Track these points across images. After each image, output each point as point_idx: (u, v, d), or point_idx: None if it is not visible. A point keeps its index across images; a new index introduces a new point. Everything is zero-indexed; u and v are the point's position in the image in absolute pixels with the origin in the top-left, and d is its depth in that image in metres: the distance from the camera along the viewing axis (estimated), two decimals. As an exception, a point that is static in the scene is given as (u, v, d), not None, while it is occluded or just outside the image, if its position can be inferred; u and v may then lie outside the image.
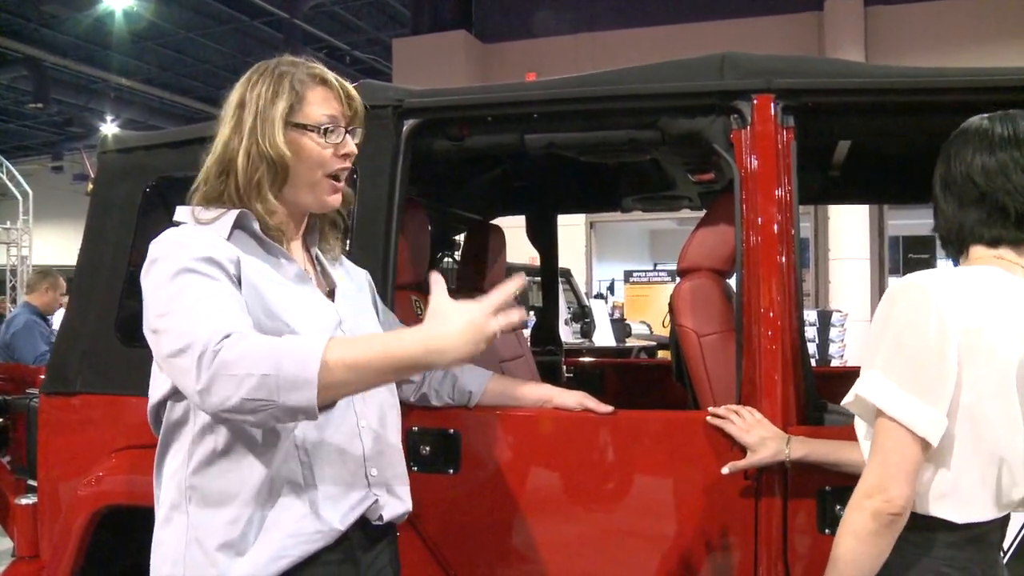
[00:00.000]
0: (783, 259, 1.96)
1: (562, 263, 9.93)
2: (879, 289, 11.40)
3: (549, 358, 3.57)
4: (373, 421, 1.58)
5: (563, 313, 7.11)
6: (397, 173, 2.16)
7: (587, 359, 4.32)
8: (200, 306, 1.35)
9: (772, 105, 2.00)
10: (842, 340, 8.01)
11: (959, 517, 1.39)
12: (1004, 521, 1.49)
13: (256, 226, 1.51)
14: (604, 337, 7.40)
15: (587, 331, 7.48)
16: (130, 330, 2.42)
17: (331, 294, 1.63)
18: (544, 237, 3.60)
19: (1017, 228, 1.45)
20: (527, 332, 3.67)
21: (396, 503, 1.60)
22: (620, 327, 8.42)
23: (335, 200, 1.59)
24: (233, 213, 1.50)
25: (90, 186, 2.55)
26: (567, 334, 6.92)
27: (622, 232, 18.58)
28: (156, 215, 2.51)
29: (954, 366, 1.35)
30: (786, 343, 1.93)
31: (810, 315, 8.15)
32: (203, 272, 1.39)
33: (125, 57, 17.42)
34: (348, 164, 1.58)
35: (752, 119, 2.00)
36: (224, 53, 17.77)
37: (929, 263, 15.96)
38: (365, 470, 1.54)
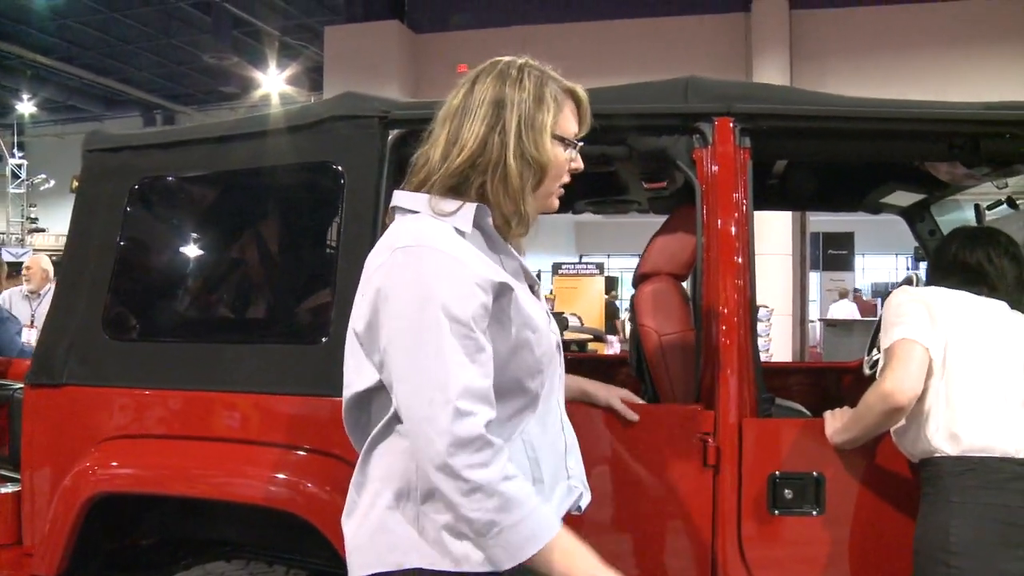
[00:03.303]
0: (740, 265, 2.18)
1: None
2: (800, 284, 11.86)
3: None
4: (565, 417, 1.69)
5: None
6: (383, 181, 2.29)
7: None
8: (453, 359, 1.41)
9: (731, 127, 2.22)
10: (767, 334, 8.35)
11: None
12: None
13: (491, 221, 1.54)
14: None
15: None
16: (117, 324, 2.51)
17: (533, 291, 1.66)
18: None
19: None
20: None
21: (587, 493, 1.70)
22: (558, 320, 8.59)
23: (556, 205, 1.66)
24: (472, 207, 1.52)
25: (75, 183, 2.61)
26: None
27: (547, 224, 18.78)
28: (142, 214, 2.60)
29: (941, 325, 1.98)
30: (741, 341, 2.15)
31: (735, 309, 8.48)
32: (462, 322, 1.43)
33: (43, 34, 16.89)
34: (570, 178, 1.65)
35: (713, 139, 2.21)
36: (148, 34, 17.36)
37: (847, 259, 16.65)
38: (565, 463, 1.65)
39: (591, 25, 14.14)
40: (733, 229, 2.18)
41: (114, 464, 2.39)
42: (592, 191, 3.41)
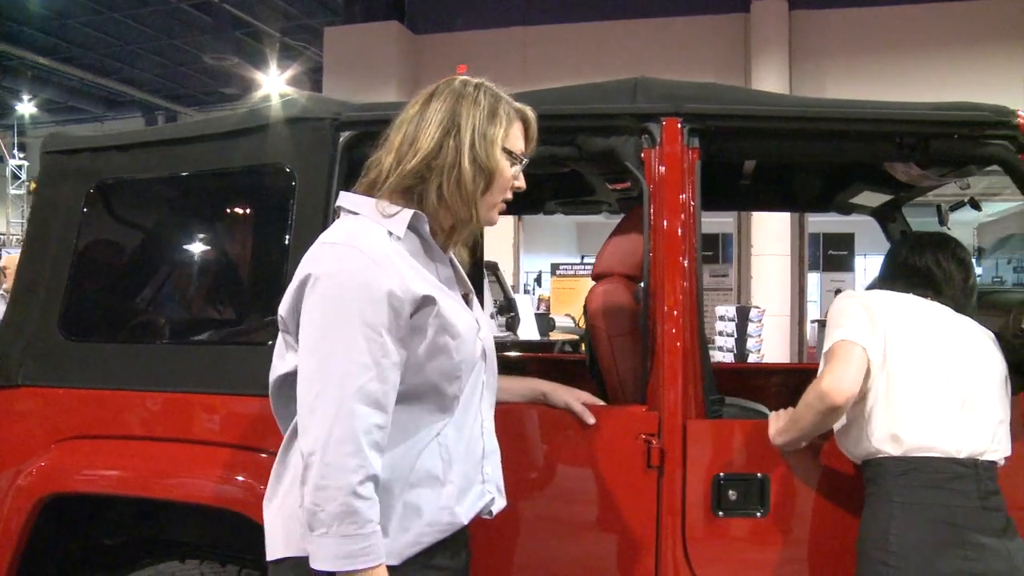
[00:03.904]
0: (686, 266, 2.18)
1: (490, 256, 10.12)
2: (799, 284, 11.84)
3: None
4: (488, 422, 1.74)
5: (489, 307, 7.27)
6: (333, 181, 2.30)
7: (511, 354, 4.49)
8: (356, 359, 1.48)
9: (679, 127, 2.22)
10: (759, 335, 8.35)
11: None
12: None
13: (427, 228, 1.64)
14: (529, 331, 7.60)
15: (512, 325, 7.68)
16: (73, 325, 2.52)
17: (466, 299, 1.76)
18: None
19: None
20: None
21: (501, 499, 1.75)
22: (544, 321, 8.63)
23: (496, 219, 1.74)
24: (408, 212, 1.61)
25: (33, 184, 2.62)
26: (492, 328, 7.10)
27: (550, 224, 18.85)
28: (100, 216, 2.61)
29: (880, 326, 2.00)
30: (687, 341, 2.15)
31: (729, 311, 8.48)
32: (371, 325, 1.49)
33: (43, 35, 16.93)
34: (511, 196, 1.74)
35: (661, 139, 2.21)
36: (149, 35, 17.38)
37: (847, 259, 16.63)
38: (482, 467, 1.69)
39: (590, 26, 14.14)
40: (679, 230, 2.18)
41: (67, 465, 2.40)
42: (561, 192, 3.42)
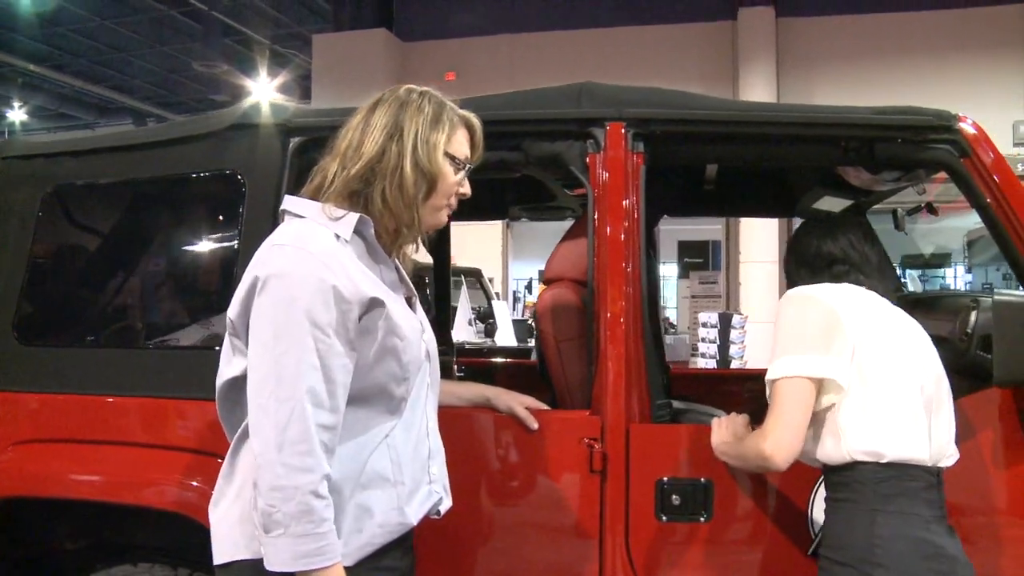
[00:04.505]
0: (629, 271, 2.18)
1: (479, 263, 10.12)
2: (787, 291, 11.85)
3: (441, 358, 3.74)
4: (432, 423, 1.76)
5: (468, 313, 7.28)
6: (283, 186, 2.31)
7: (483, 359, 4.50)
8: (305, 359, 1.49)
9: (623, 132, 2.23)
10: (742, 341, 8.36)
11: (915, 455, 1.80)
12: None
13: (371, 231, 1.65)
14: (506, 337, 7.63)
15: (490, 331, 7.71)
16: (27, 329, 2.52)
17: (409, 302, 1.77)
18: (438, 244, 3.77)
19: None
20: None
21: (448, 499, 1.77)
22: (522, 327, 8.66)
23: (443, 222, 1.78)
24: (354, 216, 1.63)
25: (-11, 190, 2.63)
26: (471, 334, 7.12)
27: (539, 232, 18.85)
28: (55, 221, 2.61)
29: (844, 327, 1.83)
30: (630, 347, 2.15)
31: (711, 318, 8.49)
32: (321, 327, 1.50)
33: (33, 42, 16.92)
34: (456, 203, 1.77)
35: (605, 144, 2.22)
36: (139, 42, 17.39)
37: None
38: (428, 468, 1.71)
39: (578, 33, 14.18)
40: (622, 235, 2.19)
41: (20, 468, 2.40)
42: (524, 197, 3.43)
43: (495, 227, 13.72)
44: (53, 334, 2.62)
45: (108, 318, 2.63)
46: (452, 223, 3.85)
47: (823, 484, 1.93)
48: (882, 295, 1.99)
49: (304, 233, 1.59)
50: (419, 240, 1.82)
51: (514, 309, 13.27)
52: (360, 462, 1.59)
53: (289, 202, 1.68)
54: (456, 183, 1.72)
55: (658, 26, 14.06)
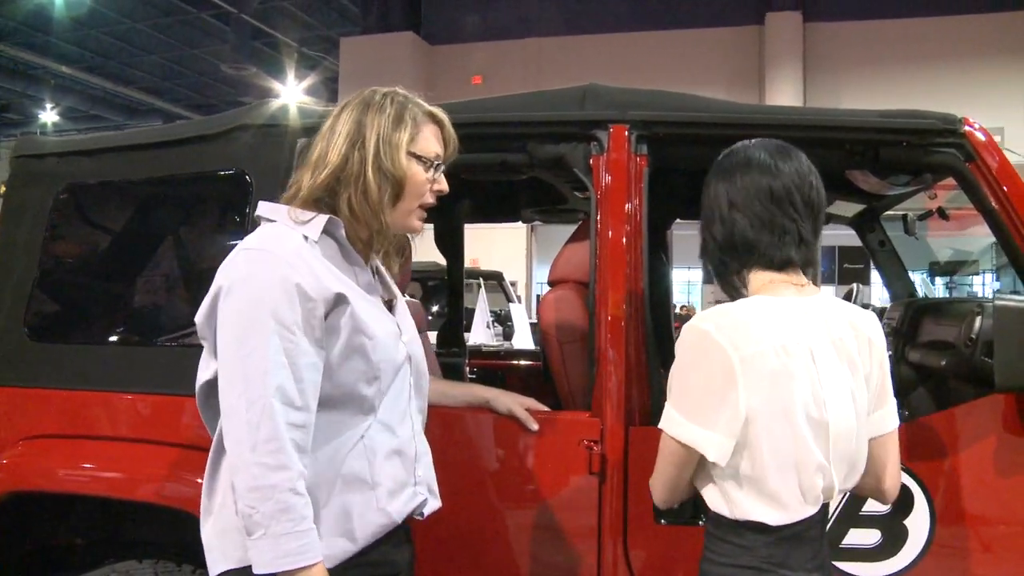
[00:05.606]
0: (631, 274, 2.17)
1: (502, 267, 10.12)
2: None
3: (452, 360, 3.76)
4: (419, 425, 1.76)
5: (486, 316, 7.30)
6: (289, 186, 2.33)
7: (497, 361, 4.49)
8: (273, 359, 1.49)
9: (626, 134, 2.22)
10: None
11: (771, 520, 1.56)
12: (821, 517, 1.63)
13: (342, 233, 1.65)
14: (524, 339, 7.64)
15: (508, 334, 7.72)
16: (39, 326, 2.56)
17: (389, 305, 1.76)
18: (451, 246, 3.78)
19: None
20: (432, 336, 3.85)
21: (434, 500, 1.77)
22: (537, 330, 8.66)
23: (418, 227, 1.75)
24: (323, 218, 1.62)
25: (2, 187, 2.68)
26: (489, 337, 7.14)
27: (565, 235, 18.82)
28: (66, 219, 2.65)
29: (739, 393, 1.50)
30: (631, 350, 2.15)
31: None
32: (287, 326, 1.50)
33: (66, 44, 17.21)
34: (435, 200, 1.73)
35: (608, 146, 2.22)
36: (170, 44, 17.66)
37: (863, 272, 16.51)
38: (414, 470, 1.71)
39: (605, 37, 14.20)
40: (624, 238, 2.18)
41: (29, 463, 2.43)
42: (536, 200, 3.43)
43: (520, 230, 13.74)
44: (64, 331, 2.65)
45: (119, 315, 2.67)
46: (472, 226, 3.88)
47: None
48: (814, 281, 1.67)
49: (270, 236, 1.59)
50: (411, 242, 1.82)
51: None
52: (337, 464, 1.59)
53: (262, 207, 1.68)
54: (427, 181, 1.69)
55: (685, 30, 14.05)
